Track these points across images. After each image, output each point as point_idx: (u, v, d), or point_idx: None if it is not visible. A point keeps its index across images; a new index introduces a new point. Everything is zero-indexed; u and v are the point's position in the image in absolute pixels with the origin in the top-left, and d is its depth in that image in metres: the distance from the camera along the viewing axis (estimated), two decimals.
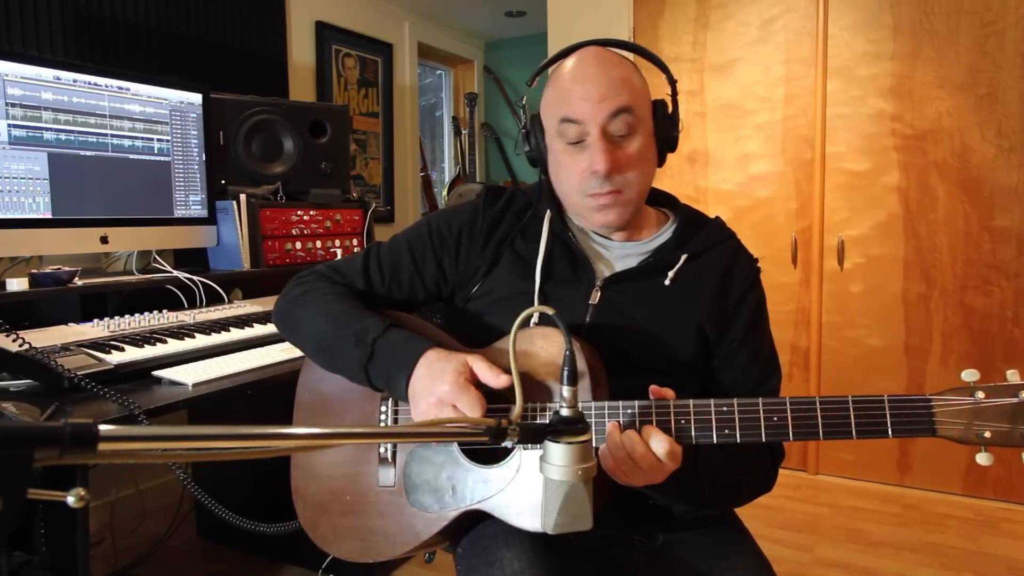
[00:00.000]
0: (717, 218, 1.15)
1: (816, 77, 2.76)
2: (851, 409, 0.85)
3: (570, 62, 1.04)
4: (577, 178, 1.01)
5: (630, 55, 1.10)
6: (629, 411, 0.90)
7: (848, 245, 2.76)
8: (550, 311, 0.79)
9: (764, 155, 2.88)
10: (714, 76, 2.94)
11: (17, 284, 1.68)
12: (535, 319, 1.02)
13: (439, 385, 0.90)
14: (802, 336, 2.85)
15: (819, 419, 0.86)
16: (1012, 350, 2.53)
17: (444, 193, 4.70)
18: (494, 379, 0.90)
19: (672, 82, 1.10)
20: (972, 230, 2.57)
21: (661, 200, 1.16)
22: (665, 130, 1.06)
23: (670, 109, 1.07)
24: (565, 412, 0.76)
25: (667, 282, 1.04)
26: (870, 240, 2.72)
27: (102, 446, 0.44)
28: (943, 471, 2.66)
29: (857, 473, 2.81)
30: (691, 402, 0.89)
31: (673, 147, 1.09)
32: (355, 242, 2.54)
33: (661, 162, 1.08)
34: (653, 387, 0.90)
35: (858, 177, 2.73)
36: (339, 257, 2.38)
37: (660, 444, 0.85)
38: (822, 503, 2.63)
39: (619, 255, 1.09)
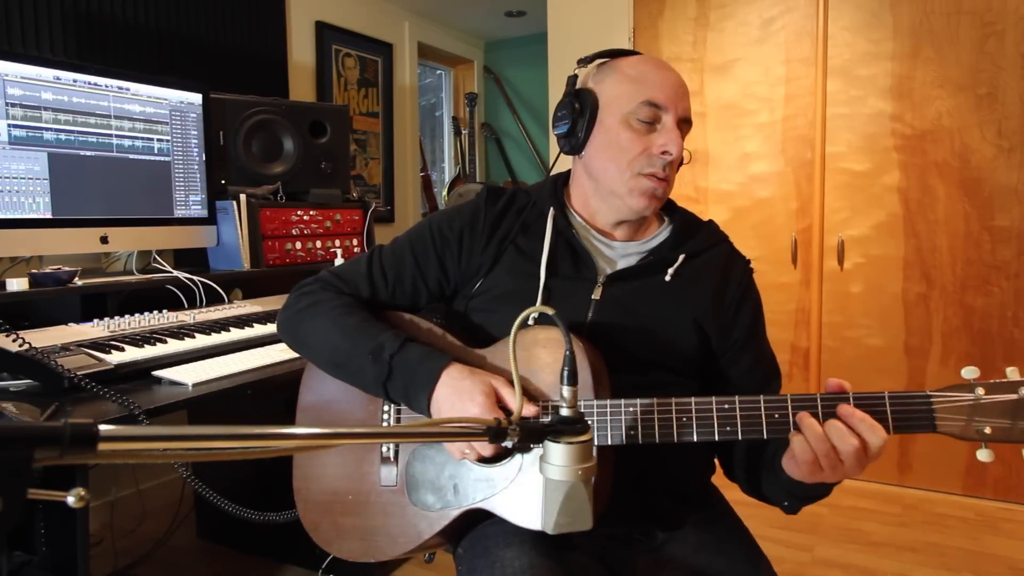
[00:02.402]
0: (711, 221, 1.17)
1: (816, 77, 2.76)
2: (852, 406, 0.85)
3: (640, 58, 1.08)
4: (636, 154, 1.03)
5: None
6: (631, 409, 0.90)
7: (848, 245, 2.76)
8: (550, 311, 0.79)
9: (764, 155, 2.87)
10: (714, 76, 2.94)
11: (17, 284, 1.68)
12: (535, 318, 1.02)
13: (468, 406, 0.92)
14: (802, 336, 2.85)
15: (820, 416, 0.86)
16: (1012, 350, 2.53)
17: (444, 193, 4.70)
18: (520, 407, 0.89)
19: None
20: (972, 230, 2.57)
21: None
22: None
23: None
24: (565, 412, 0.76)
25: (667, 278, 1.06)
26: (870, 240, 2.72)
27: (102, 446, 0.44)
28: (943, 471, 2.66)
29: None
30: (692, 400, 0.90)
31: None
32: (355, 242, 2.54)
33: None
34: (832, 380, 0.89)
35: (858, 177, 2.73)
36: (339, 259, 2.40)
37: (875, 436, 0.83)
38: (822, 503, 2.60)
39: (620, 254, 1.10)
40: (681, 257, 1.07)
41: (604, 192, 1.08)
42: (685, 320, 1.05)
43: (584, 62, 1.12)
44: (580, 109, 1.07)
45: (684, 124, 1.05)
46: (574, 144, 1.08)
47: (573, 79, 1.10)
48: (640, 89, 1.03)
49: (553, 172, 1.23)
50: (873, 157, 2.70)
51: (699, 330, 1.06)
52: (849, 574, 2.14)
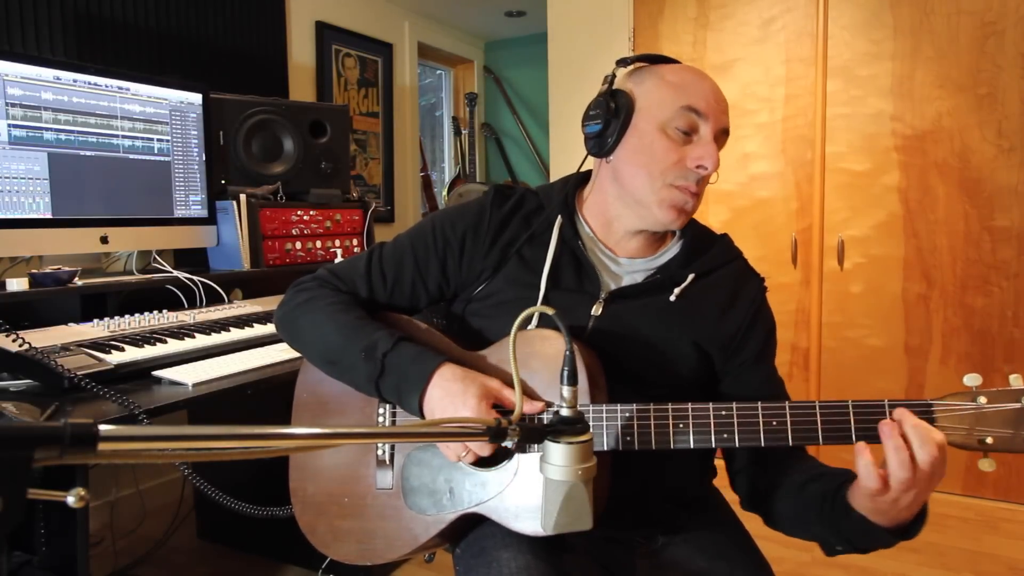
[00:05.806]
0: (725, 235, 1.13)
1: (816, 77, 2.76)
2: (851, 414, 0.84)
3: (681, 66, 1.05)
4: (669, 165, 0.99)
5: None
6: (627, 414, 0.90)
7: (848, 245, 2.75)
8: (550, 311, 0.79)
9: (764, 155, 2.87)
10: (714, 76, 2.90)
11: (17, 284, 1.68)
12: (535, 321, 1.02)
13: (460, 410, 0.90)
14: (802, 336, 2.85)
15: (819, 424, 0.85)
16: (1012, 350, 2.53)
17: (444, 193, 4.70)
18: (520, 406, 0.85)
19: None
20: (972, 230, 2.56)
21: None
22: None
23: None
24: (565, 412, 0.76)
25: (672, 298, 1.03)
26: (870, 240, 2.72)
27: (102, 446, 0.44)
28: None
29: None
30: (689, 406, 0.89)
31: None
32: (355, 242, 2.54)
33: None
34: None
35: (858, 177, 2.73)
36: (339, 259, 2.39)
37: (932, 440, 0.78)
38: None
39: (627, 270, 1.07)
40: (690, 277, 1.04)
41: (629, 200, 1.03)
42: (686, 341, 1.03)
43: (624, 63, 1.07)
44: (615, 110, 1.02)
45: (722, 136, 1.01)
46: (603, 146, 1.03)
47: (611, 78, 1.05)
48: (681, 95, 1.00)
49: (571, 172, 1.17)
50: (873, 157, 2.70)
51: (701, 352, 1.03)
52: (849, 574, 2.14)
